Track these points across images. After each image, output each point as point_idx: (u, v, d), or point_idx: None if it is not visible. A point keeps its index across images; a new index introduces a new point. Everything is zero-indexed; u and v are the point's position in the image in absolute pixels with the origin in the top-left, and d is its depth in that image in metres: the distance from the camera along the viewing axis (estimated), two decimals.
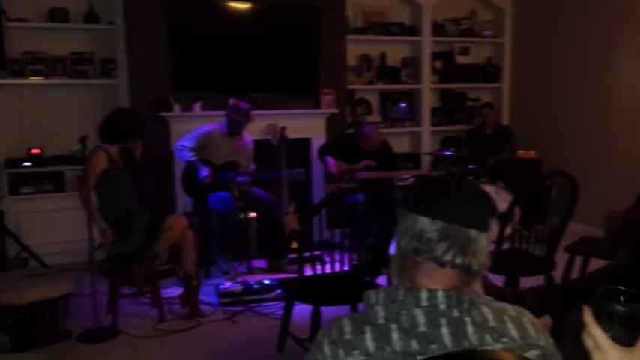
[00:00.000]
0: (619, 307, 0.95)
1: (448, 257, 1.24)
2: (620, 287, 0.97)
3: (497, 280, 3.50)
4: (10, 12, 5.05)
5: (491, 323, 1.23)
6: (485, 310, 1.25)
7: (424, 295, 1.22)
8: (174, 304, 4.16)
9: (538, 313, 2.92)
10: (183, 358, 3.48)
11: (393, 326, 1.20)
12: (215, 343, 3.65)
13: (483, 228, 1.27)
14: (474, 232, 1.25)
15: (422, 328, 1.20)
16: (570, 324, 2.07)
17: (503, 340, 1.22)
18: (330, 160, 5.41)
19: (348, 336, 1.21)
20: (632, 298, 0.96)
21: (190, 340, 3.70)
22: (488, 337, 1.21)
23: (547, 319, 2.94)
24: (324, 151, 5.53)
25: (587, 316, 0.99)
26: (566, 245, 3.97)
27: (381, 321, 1.22)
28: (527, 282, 3.55)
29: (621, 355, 0.97)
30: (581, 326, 1.01)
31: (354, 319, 1.25)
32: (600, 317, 0.97)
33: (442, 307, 1.22)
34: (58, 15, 5.26)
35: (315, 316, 3.21)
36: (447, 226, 1.24)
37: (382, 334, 1.20)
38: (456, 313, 1.22)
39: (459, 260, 1.24)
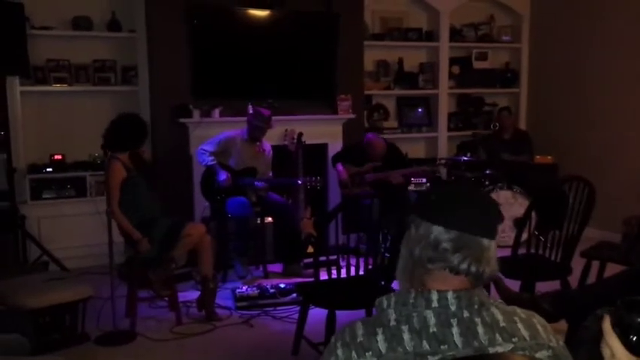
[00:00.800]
0: (638, 320, 0.94)
1: (464, 266, 1.26)
2: None
3: (514, 285, 3.49)
4: (34, 20, 5.15)
5: (502, 324, 1.25)
6: (495, 311, 1.27)
7: (434, 296, 1.25)
8: (191, 308, 4.20)
9: (554, 318, 2.91)
10: None
11: (404, 327, 1.23)
12: (231, 346, 3.68)
13: (494, 235, 1.30)
14: (486, 241, 1.28)
15: (433, 329, 1.22)
16: (586, 329, 2.06)
17: (514, 340, 1.23)
18: (340, 167, 5.51)
19: (360, 338, 1.24)
20: None
21: (206, 343, 3.73)
22: (498, 337, 1.23)
23: (563, 324, 2.93)
24: (335, 159, 5.62)
25: (606, 325, 0.98)
26: (582, 250, 3.94)
27: (393, 323, 1.24)
28: (543, 287, 3.54)
29: None
30: (599, 334, 1.02)
31: (366, 322, 1.28)
32: (619, 327, 0.96)
33: (452, 308, 1.24)
34: (81, 23, 5.36)
35: (330, 321, 3.22)
36: (460, 235, 1.26)
37: (394, 336, 1.22)
38: (466, 314, 1.24)
39: (473, 269, 1.26)
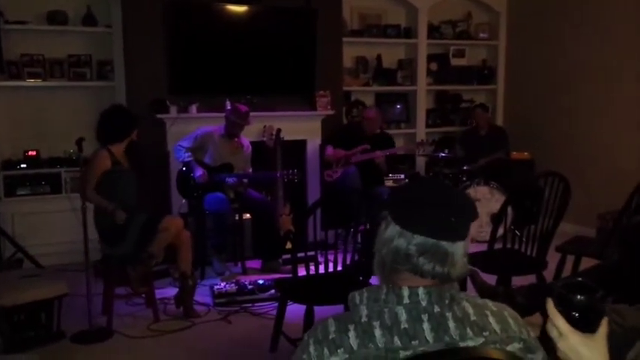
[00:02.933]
0: (578, 298, 1.02)
1: (428, 268, 1.25)
2: (579, 279, 1.05)
3: (490, 279, 3.52)
4: (9, 14, 5.07)
5: (473, 318, 1.26)
6: (466, 305, 1.28)
7: (405, 292, 1.25)
8: (168, 305, 4.18)
9: (529, 312, 2.94)
10: (177, 358, 3.49)
11: (376, 324, 1.23)
12: (209, 343, 3.66)
13: (461, 237, 1.28)
14: (450, 245, 1.26)
15: (404, 325, 1.22)
16: None
17: (485, 333, 1.24)
18: (329, 149, 5.68)
19: (332, 335, 1.24)
20: (590, 289, 1.03)
21: (184, 340, 3.71)
22: (469, 332, 1.23)
23: (538, 318, 2.96)
24: (326, 141, 5.79)
25: (550, 307, 1.04)
26: (558, 245, 3.99)
27: (364, 319, 1.25)
28: (519, 281, 3.57)
29: (582, 340, 1.02)
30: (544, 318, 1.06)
31: (338, 319, 1.28)
32: (562, 307, 1.03)
33: (423, 303, 1.24)
34: (56, 17, 5.28)
35: (309, 316, 3.23)
36: (425, 240, 1.25)
37: (365, 332, 1.22)
38: (437, 309, 1.24)
39: (438, 270, 1.26)
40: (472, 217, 1.31)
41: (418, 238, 1.25)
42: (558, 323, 1.02)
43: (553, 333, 1.04)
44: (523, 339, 1.28)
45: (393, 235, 1.28)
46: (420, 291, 1.25)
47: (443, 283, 1.28)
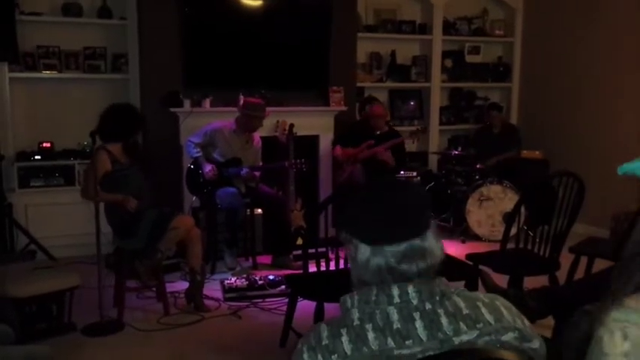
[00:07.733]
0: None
1: (413, 270, 1.26)
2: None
3: (502, 279, 3.50)
4: (24, 6, 5.09)
5: (465, 311, 1.24)
6: (457, 299, 1.27)
7: (395, 292, 1.24)
8: (179, 298, 4.19)
9: (541, 315, 2.91)
10: (186, 353, 3.49)
11: (368, 326, 1.22)
12: (218, 337, 3.67)
13: (428, 226, 1.28)
14: (423, 238, 1.27)
15: (396, 325, 1.21)
16: (576, 327, 2.05)
17: (478, 325, 1.23)
18: (337, 149, 5.64)
19: (325, 341, 1.23)
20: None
21: (194, 334, 3.72)
22: (463, 326, 1.22)
23: (550, 320, 2.93)
24: (334, 143, 5.75)
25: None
26: (571, 246, 3.95)
27: (357, 322, 1.23)
28: (531, 282, 3.54)
29: None
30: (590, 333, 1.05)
31: (330, 324, 1.27)
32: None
33: (414, 302, 1.23)
34: (71, 9, 5.30)
35: (319, 313, 3.23)
36: (398, 247, 1.25)
37: (358, 336, 1.21)
38: (428, 306, 1.23)
39: (422, 265, 1.26)
40: (428, 203, 1.31)
41: (390, 249, 1.25)
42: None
43: None
44: (518, 328, 1.26)
45: (367, 256, 1.27)
46: (410, 289, 1.24)
47: (429, 275, 1.28)
